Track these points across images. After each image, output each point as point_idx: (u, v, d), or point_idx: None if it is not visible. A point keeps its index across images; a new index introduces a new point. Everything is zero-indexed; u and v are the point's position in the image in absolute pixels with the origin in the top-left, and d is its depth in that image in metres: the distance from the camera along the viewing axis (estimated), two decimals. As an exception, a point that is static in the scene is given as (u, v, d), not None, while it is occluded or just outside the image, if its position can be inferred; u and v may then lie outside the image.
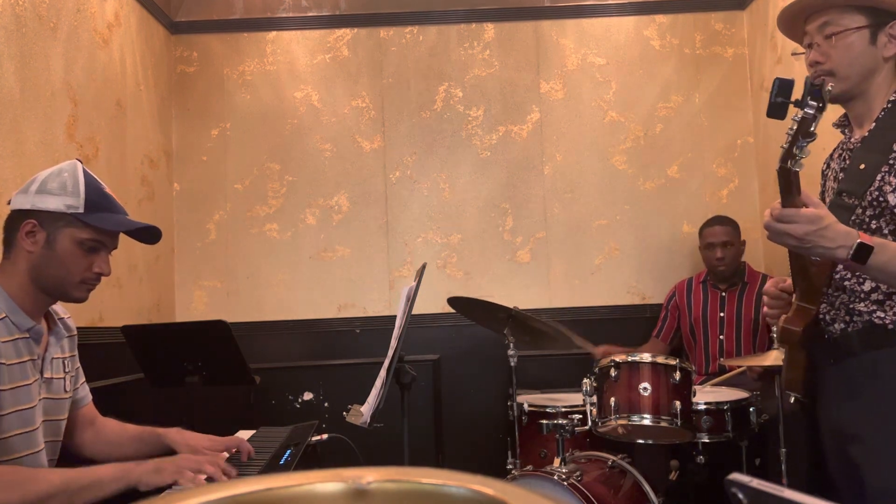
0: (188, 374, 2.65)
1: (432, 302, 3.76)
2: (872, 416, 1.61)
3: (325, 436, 2.01)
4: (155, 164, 3.71)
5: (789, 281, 1.70)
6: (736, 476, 0.58)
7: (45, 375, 1.65)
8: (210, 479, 1.53)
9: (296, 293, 3.91)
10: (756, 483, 0.57)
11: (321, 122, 3.96)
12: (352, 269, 3.92)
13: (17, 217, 1.61)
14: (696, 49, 3.98)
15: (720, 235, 3.37)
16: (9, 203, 1.65)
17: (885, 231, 1.58)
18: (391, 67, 3.98)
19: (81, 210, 1.59)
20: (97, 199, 1.62)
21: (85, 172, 1.64)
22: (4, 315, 1.56)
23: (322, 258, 3.93)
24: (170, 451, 1.82)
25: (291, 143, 3.95)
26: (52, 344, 1.69)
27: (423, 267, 2.09)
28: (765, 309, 1.79)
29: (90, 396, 1.89)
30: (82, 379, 1.86)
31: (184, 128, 3.97)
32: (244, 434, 2.14)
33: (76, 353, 1.81)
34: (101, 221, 1.61)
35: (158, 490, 1.53)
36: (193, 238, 3.93)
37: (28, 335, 1.60)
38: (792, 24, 1.77)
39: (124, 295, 3.28)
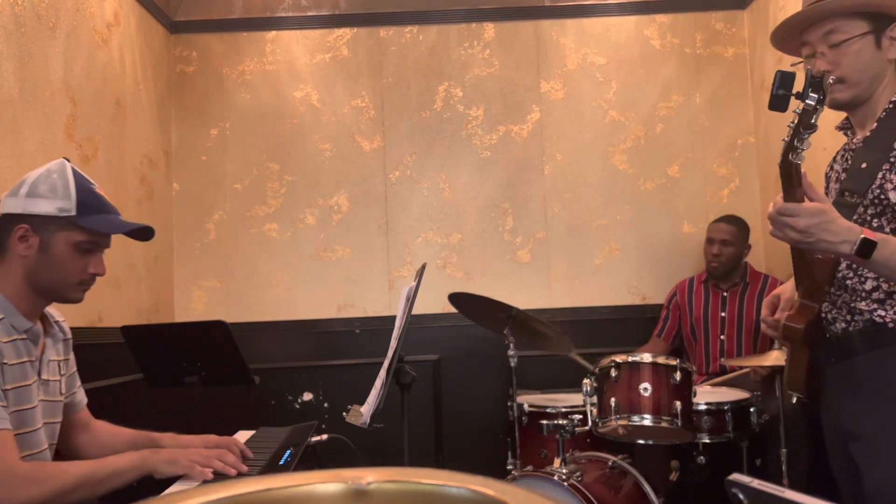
0: (187, 375, 2.64)
1: (432, 302, 3.76)
2: (873, 415, 1.61)
3: (324, 436, 2.01)
4: (154, 163, 3.70)
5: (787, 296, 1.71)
6: (736, 476, 0.58)
7: (43, 377, 1.65)
8: (218, 474, 1.59)
9: (295, 293, 3.91)
10: (757, 483, 0.57)
11: (321, 122, 3.95)
12: (352, 269, 3.91)
13: (8, 221, 1.58)
14: (697, 49, 3.97)
15: (721, 233, 3.37)
16: None
17: (887, 229, 1.59)
18: (391, 67, 3.98)
19: (74, 213, 1.58)
20: (88, 199, 1.60)
21: (74, 172, 1.62)
22: (3, 317, 1.55)
23: (322, 258, 3.92)
24: None
25: (291, 143, 3.95)
26: (49, 346, 1.68)
27: (423, 267, 2.09)
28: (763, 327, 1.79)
29: (86, 400, 1.88)
30: (78, 383, 1.85)
31: (183, 127, 3.97)
32: (244, 434, 2.14)
33: (71, 356, 1.80)
34: (95, 224, 1.60)
35: (171, 480, 1.61)
36: (193, 238, 3.93)
37: (26, 336, 1.59)
38: (787, 35, 1.74)
39: (123, 295, 3.28)
